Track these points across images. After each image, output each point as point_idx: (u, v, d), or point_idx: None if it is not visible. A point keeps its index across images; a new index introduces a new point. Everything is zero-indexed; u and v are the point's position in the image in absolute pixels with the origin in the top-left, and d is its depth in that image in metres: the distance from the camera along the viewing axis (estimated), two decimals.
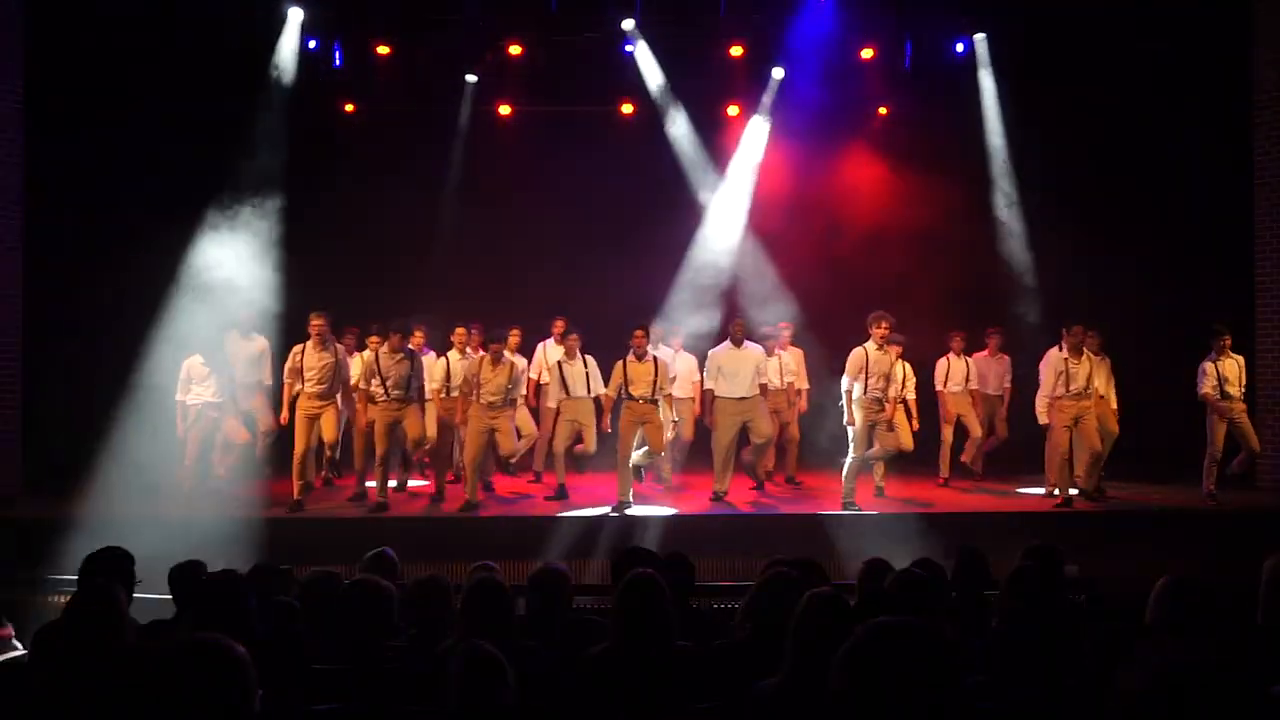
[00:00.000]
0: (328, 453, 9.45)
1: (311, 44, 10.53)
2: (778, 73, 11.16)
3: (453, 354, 9.06)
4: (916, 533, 7.58)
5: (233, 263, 9.31)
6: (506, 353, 8.43)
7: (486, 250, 11.43)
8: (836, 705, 1.79)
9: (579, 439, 8.83)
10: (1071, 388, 8.41)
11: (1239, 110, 9.71)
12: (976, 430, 9.57)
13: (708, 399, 8.73)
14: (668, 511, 8.27)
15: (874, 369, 8.27)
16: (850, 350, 8.49)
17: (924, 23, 10.66)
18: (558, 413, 8.96)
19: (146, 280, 9.03)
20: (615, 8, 10.37)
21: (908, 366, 8.72)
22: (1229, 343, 8.50)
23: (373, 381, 8.24)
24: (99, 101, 9.66)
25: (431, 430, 8.73)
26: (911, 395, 8.71)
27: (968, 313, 10.20)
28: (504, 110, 11.53)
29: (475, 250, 11.41)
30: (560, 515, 8.20)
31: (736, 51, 10.84)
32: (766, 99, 11.28)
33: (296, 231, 10.77)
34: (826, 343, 9.86)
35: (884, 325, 8.26)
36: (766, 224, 11.24)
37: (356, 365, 8.65)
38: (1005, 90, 10.96)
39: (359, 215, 10.97)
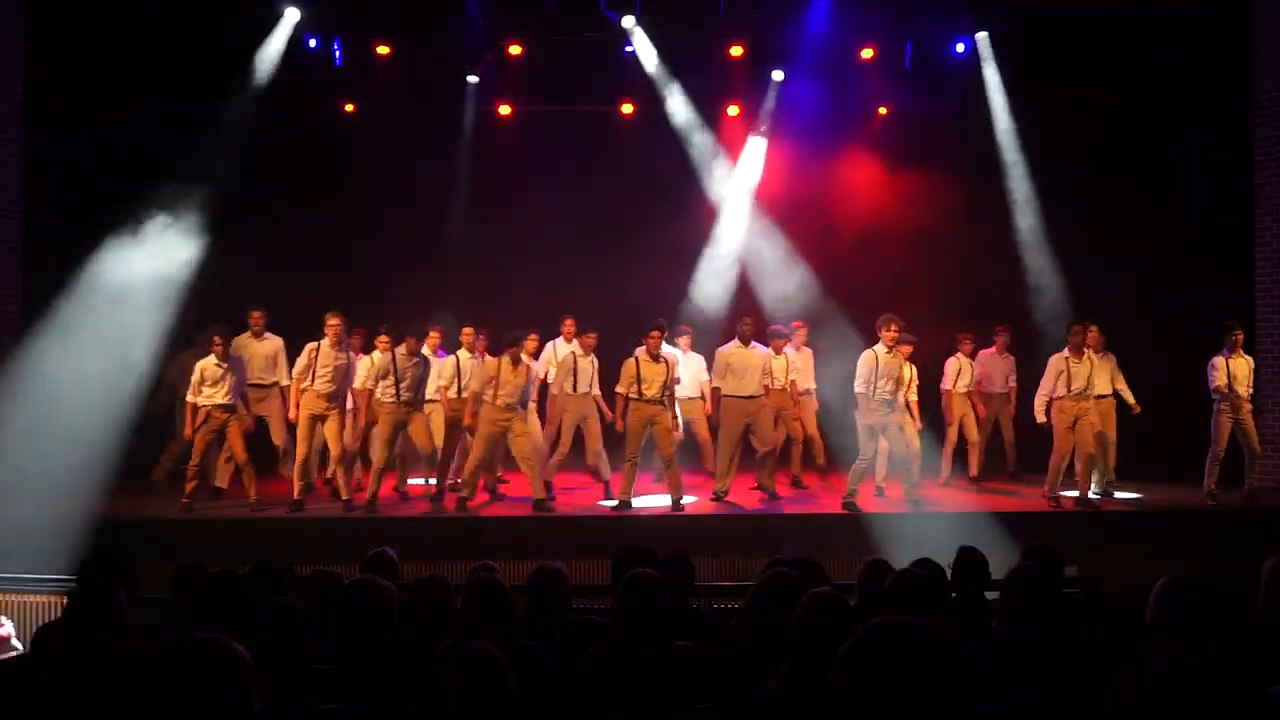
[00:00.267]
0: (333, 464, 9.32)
1: (312, 43, 10.52)
2: (777, 75, 11.17)
3: (462, 353, 9.04)
4: (916, 533, 7.58)
5: (229, 263, 9.31)
6: (524, 356, 8.40)
7: (486, 250, 11.42)
8: (836, 705, 1.79)
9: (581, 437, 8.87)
10: (1072, 388, 8.41)
11: (1239, 110, 9.71)
12: (975, 434, 9.60)
13: (715, 397, 8.78)
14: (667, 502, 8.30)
15: (884, 371, 8.31)
16: (846, 349, 8.53)
17: (924, 22, 10.65)
18: (562, 409, 8.97)
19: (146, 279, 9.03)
20: (615, 6, 10.36)
21: (913, 368, 8.72)
22: (1240, 339, 8.49)
23: (381, 383, 8.22)
24: (99, 101, 9.66)
25: (438, 438, 8.73)
26: (914, 397, 8.71)
27: (968, 313, 10.20)
28: (504, 110, 11.53)
29: (475, 250, 11.41)
30: (561, 515, 8.22)
31: (736, 51, 10.84)
32: (768, 104, 11.30)
33: (296, 231, 10.79)
34: (827, 342, 9.87)
35: (893, 328, 8.30)
36: (768, 225, 11.26)
37: (363, 367, 8.62)
38: (1005, 90, 10.95)
39: (359, 215, 10.97)
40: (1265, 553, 3.28)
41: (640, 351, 8.34)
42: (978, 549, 4.41)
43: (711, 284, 11.00)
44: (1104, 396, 8.81)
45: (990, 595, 4.14)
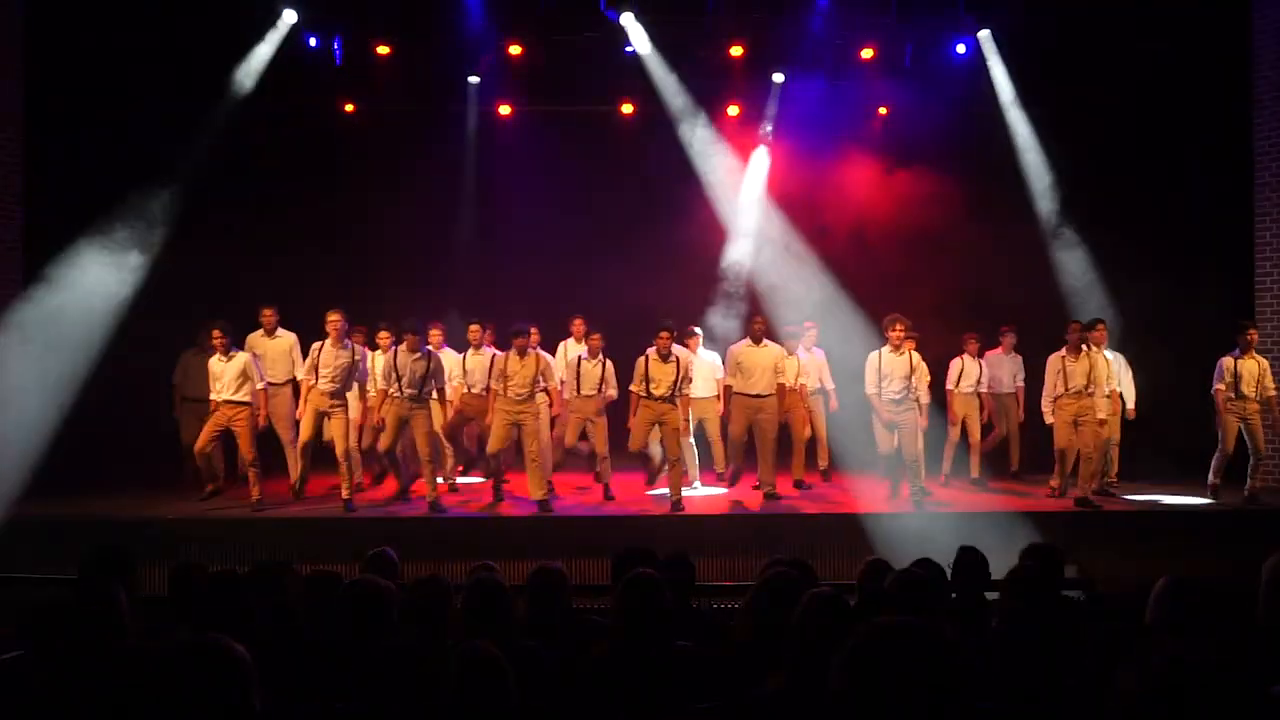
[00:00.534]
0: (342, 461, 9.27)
1: (312, 42, 10.53)
2: (778, 78, 11.16)
3: (469, 351, 9.05)
4: (917, 533, 7.57)
5: (229, 263, 9.32)
6: (530, 347, 8.40)
7: (487, 250, 11.44)
8: (836, 705, 1.79)
9: (583, 436, 8.86)
10: (1070, 386, 8.45)
11: (1239, 110, 9.70)
12: (976, 435, 9.62)
13: (726, 394, 8.84)
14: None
15: (889, 371, 8.35)
16: (847, 349, 8.56)
17: (924, 22, 10.64)
18: (570, 410, 8.99)
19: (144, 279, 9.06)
20: (615, 5, 10.36)
21: (921, 363, 8.71)
22: (1254, 338, 8.49)
23: (391, 379, 8.25)
24: (99, 101, 9.66)
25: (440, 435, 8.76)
26: (926, 399, 8.67)
27: (973, 313, 10.21)
28: (504, 110, 11.54)
29: (476, 250, 11.42)
30: (561, 515, 8.21)
31: (736, 51, 10.83)
32: (771, 108, 11.30)
33: (296, 230, 10.80)
34: (828, 343, 9.88)
35: (898, 327, 8.35)
36: (767, 224, 11.26)
37: (375, 367, 8.65)
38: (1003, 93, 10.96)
39: (359, 214, 10.98)
40: (1265, 553, 3.28)
41: (651, 351, 8.42)
42: (978, 549, 4.41)
43: (714, 284, 11.00)
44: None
45: (990, 595, 4.14)
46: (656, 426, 8.44)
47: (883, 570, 4.01)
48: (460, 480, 9.61)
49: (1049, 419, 8.66)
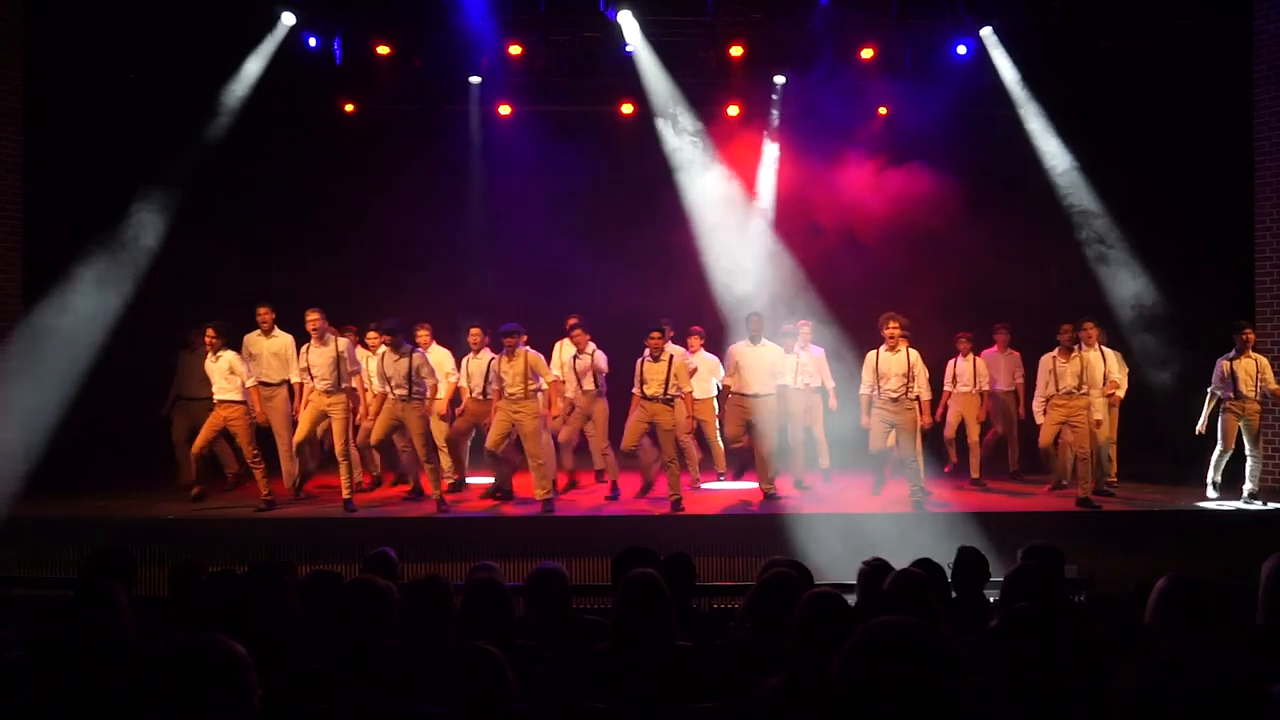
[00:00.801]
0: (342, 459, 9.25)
1: (311, 42, 10.53)
2: (779, 79, 11.16)
3: (470, 355, 9.05)
4: (916, 533, 7.57)
5: (228, 263, 9.32)
6: (518, 346, 8.40)
7: (487, 250, 11.44)
8: (836, 705, 1.79)
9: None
10: (1061, 386, 8.44)
11: (1239, 110, 9.70)
12: (974, 435, 9.62)
13: (725, 394, 8.86)
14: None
15: (885, 370, 8.35)
16: (845, 348, 8.56)
17: (924, 22, 10.63)
18: (571, 408, 8.99)
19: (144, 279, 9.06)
20: (615, 5, 10.35)
21: (919, 361, 8.71)
22: (1250, 338, 8.48)
23: (383, 381, 8.25)
24: (99, 101, 9.66)
25: (438, 438, 8.73)
26: (926, 396, 8.68)
27: (969, 312, 10.20)
28: (504, 110, 11.54)
29: (475, 250, 11.42)
30: (561, 515, 8.21)
31: (736, 51, 10.83)
32: (774, 111, 11.30)
33: (295, 230, 10.81)
34: (826, 342, 9.88)
35: (893, 325, 8.35)
36: (769, 225, 11.26)
37: (369, 362, 8.67)
38: (1005, 89, 10.94)
39: (358, 214, 10.99)
40: (1265, 553, 3.28)
41: (647, 351, 8.42)
42: (978, 549, 4.41)
43: (714, 283, 10.99)
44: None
45: (990, 595, 4.15)
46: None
47: (883, 570, 4.00)
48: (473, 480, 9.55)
49: (1040, 419, 8.66)
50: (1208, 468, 8.58)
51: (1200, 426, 8.56)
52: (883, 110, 11.51)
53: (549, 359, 9.31)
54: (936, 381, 9.52)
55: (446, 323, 9.74)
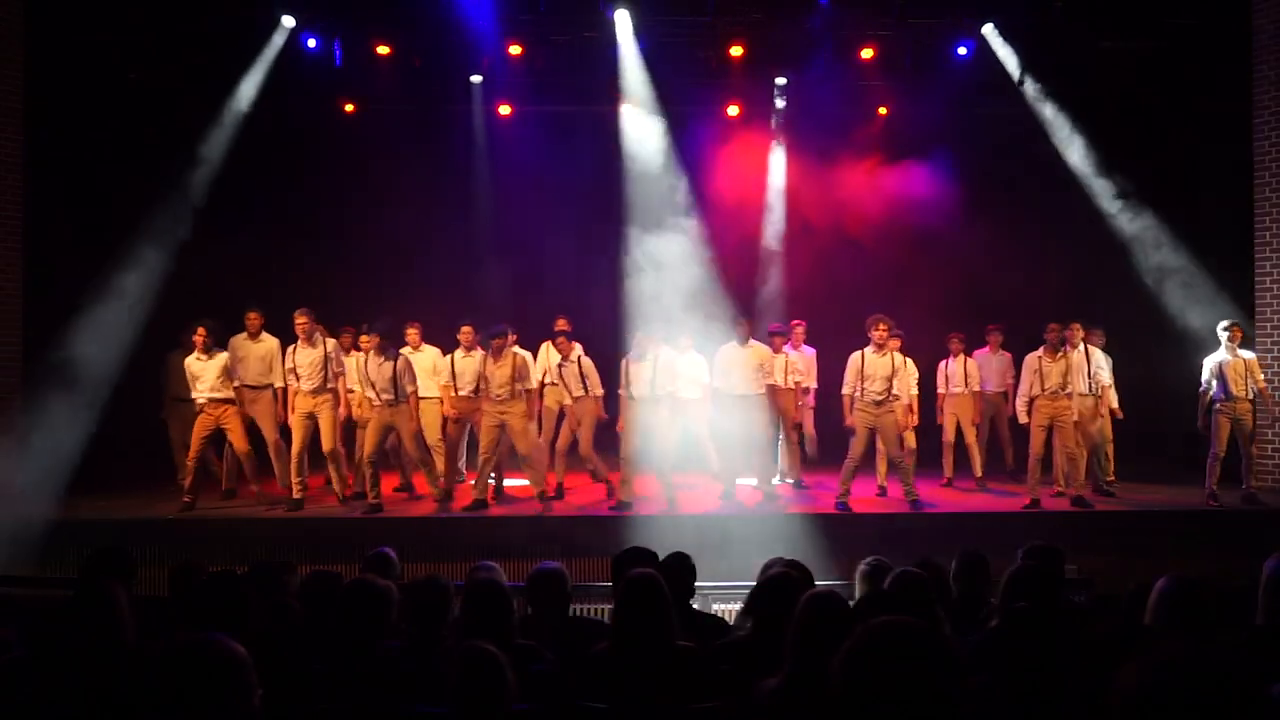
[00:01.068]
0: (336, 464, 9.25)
1: (311, 43, 10.53)
2: (780, 80, 11.16)
3: (459, 352, 9.05)
4: (917, 533, 7.58)
5: (227, 263, 9.31)
6: (506, 347, 8.41)
7: (487, 249, 11.43)
8: (836, 705, 1.79)
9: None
10: (1046, 387, 8.41)
11: (1239, 110, 9.70)
12: (971, 436, 9.61)
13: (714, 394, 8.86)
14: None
15: (871, 372, 8.31)
16: (842, 350, 8.56)
17: (925, 22, 10.63)
18: (559, 413, 9.00)
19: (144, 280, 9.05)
20: (615, 5, 10.35)
21: (909, 363, 8.72)
22: (1238, 336, 8.46)
23: (367, 386, 8.25)
24: (99, 101, 9.65)
25: (433, 436, 8.75)
26: (914, 391, 8.69)
27: (969, 312, 10.20)
28: (504, 110, 11.54)
29: (475, 249, 11.41)
30: (561, 515, 8.22)
31: (736, 51, 10.83)
32: (777, 113, 11.29)
33: (294, 230, 10.80)
34: (822, 342, 9.88)
35: (881, 327, 8.32)
36: (768, 225, 11.26)
37: (354, 364, 8.66)
38: (1005, 90, 10.94)
39: (358, 214, 10.98)
40: (1265, 553, 3.28)
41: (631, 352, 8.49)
42: (978, 549, 4.41)
43: (713, 283, 10.98)
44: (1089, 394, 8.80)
45: (990, 595, 4.14)
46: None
47: (883, 570, 4.00)
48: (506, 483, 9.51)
49: (1023, 419, 8.62)
50: (1205, 476, 8.53)
51: (1199, 423, 8.55)
52: (883, 110, 11.51)
53: (535, 358, 9.34)
54: (930, 384, 9.53)
55: (446, 323, 9.72)
